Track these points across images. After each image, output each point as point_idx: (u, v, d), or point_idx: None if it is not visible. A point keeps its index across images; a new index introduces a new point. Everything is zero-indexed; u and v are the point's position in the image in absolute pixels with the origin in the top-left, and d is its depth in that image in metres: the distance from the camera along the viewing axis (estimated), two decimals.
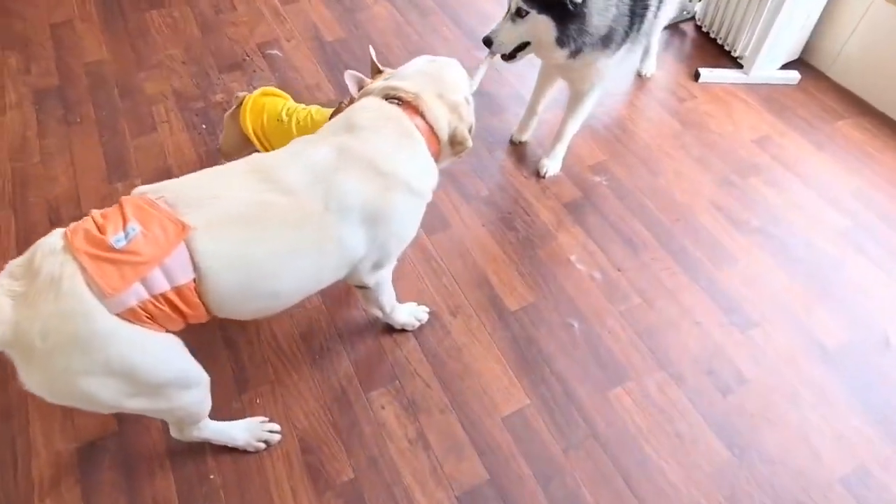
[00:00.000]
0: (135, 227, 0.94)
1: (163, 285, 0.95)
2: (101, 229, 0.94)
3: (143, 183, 1.67)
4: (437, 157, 1.26)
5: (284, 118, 1.64)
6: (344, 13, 2.64)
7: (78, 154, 2.00)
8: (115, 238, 0.93)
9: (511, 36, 1.56)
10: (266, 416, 1.42)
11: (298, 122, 1.63)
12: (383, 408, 1.46)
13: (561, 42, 1.53)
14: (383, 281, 1.39)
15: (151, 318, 0.97)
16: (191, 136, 2.08)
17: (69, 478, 1.32)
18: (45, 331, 0.88)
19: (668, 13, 1.87)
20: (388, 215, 1.16)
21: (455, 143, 1.26)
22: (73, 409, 1.30)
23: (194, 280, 0.98)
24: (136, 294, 0.93)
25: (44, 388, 0.95)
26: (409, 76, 1.27)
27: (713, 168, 2.03)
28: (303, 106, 1.68)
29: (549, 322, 1.62)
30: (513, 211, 1.89)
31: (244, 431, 1.36)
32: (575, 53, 1.58)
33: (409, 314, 1.58)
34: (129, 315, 0.94)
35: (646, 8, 1.65)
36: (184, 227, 0.96)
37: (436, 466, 1.37)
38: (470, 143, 1.28)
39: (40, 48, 2.39)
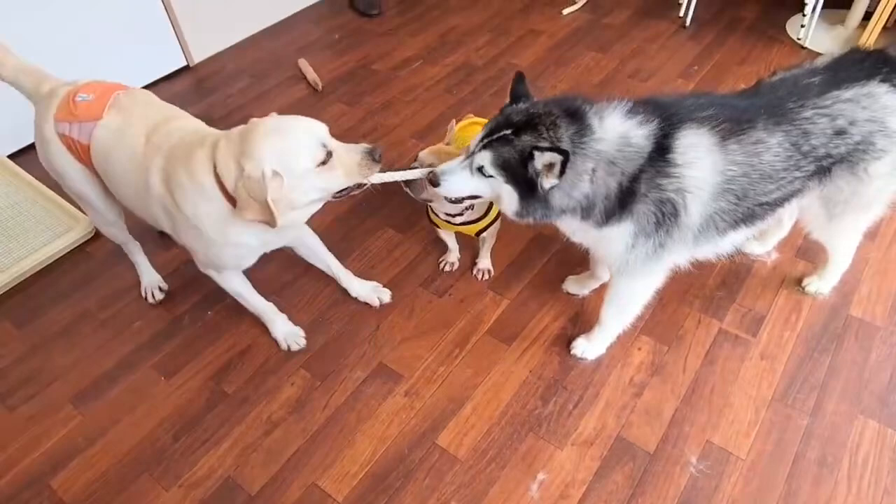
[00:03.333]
0: (89, 97, 1.48)
1: (74, 134, 1.48)
2: (84, 89, 1.50)
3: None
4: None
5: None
6: None
7: (425, 111, 2.63)
8: (80, 97, 1.48)
9: (464, 186, 1.28)
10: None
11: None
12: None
13: (521, 215, 1.27)
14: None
15: (73, 151, 1.51)
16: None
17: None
18: (36, 114, 1.54)
19: None
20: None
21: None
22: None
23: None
24: (64, 128, 1.48)
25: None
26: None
27: None
28: None
29: None
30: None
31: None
32: (555, 220, 1.30)
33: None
34: (62, 140, 1.49)
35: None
36: (101, 116, 1.46)
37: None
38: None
39: (504, 40, 3.06)
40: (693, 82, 2.67)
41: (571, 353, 1.68)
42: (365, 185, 1.37)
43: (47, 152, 1.54)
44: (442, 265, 1.92)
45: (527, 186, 1.19)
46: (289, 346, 1.75)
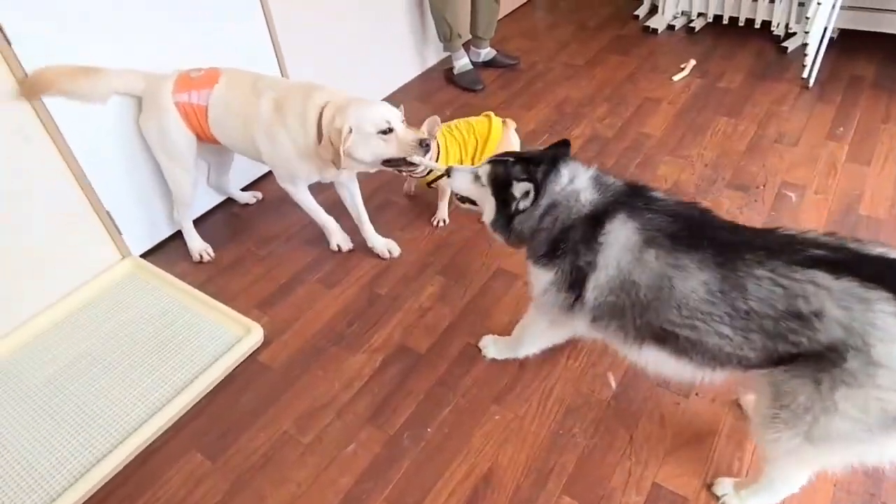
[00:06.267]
0: (201, 71, 1.97)
1: (194, 100, 1.94)
2: (194, 70, 1.98)
3: None
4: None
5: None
6: None
7: None
8: (193, 73, 1.97)
9: (465, 185, 1.55)
10: None
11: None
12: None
13: (493, 227, 1.49)
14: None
15: (187, 117, 1.96)
16: None
17: (380, 354, 1.87)
18: (150, 93, 1.99)
19: None
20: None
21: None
22: (421, 324, 1.86)
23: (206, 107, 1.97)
24: (182, 97, 1.94)
25: (143, 121, 2.04)
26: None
27: None
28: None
29: None
30: None
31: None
32: (513, 244, 1.50)
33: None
34: (179, 108, 1.94)
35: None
36: (213, 85, 1.95)
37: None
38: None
39: (624, 109, 2.99)
40: (845, 143, 2.58)
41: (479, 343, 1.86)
42: (413, 165, 1.85)
43: (163, 118, 1.96)
44: (435, 223, 2.36)
45: (502, 202, 1.42)
46: (339, 247, 2.24)
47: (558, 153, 1.41)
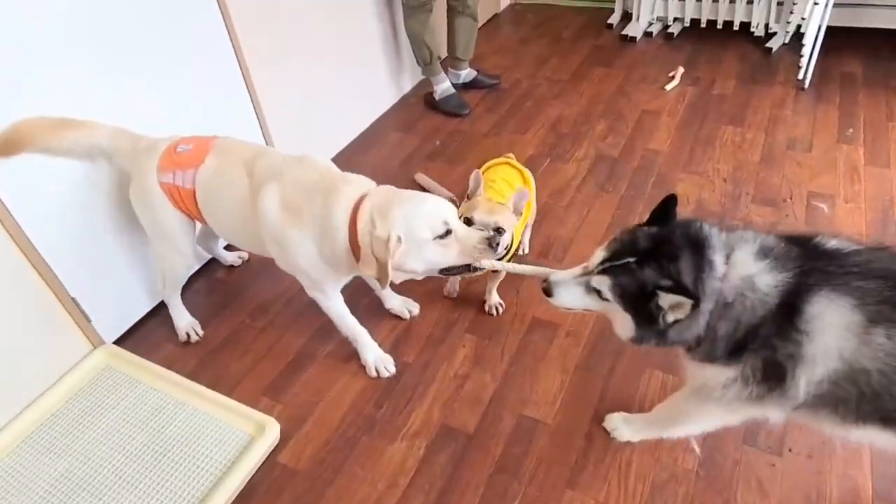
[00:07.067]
0: (189, 147, 1.61)
1: (178, 181, 1.59)
2: (183, 141, 1.63)
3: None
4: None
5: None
6: None
7: (592, 214, 2.32)
8: (181, 147, 1.61)
9: (575, 301, 1.22)
10: None
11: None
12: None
13: (636, 342, 1.17)
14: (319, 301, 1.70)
15: (176, 201, 1.63)
16: None
17: (424, 439, 1.61)
18: (137, 168, 1.65)
19: None
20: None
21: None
22: (461, 397, 1.60)
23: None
24: (167, 177, 1.60)
25: (132, 195, 1.70)
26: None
27: None
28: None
29: None
30: None
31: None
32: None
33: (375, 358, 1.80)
34: (165, 189, 1.61)
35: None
36: (199, 164, 1.59)
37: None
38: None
39: (624, 125, 2.84)
40: (858, 146, 2.50)
41: (604, 423, 1.58)
42: (478, 269, 1.47)
43: (148, 200, 1.66)
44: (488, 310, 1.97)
45: (646, 317, 1.10)
46: (378, 372, 1.78)
47: (690, 232, 1.10)
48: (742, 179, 2.39)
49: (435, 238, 1.38)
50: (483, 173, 2.10)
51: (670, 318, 1.07)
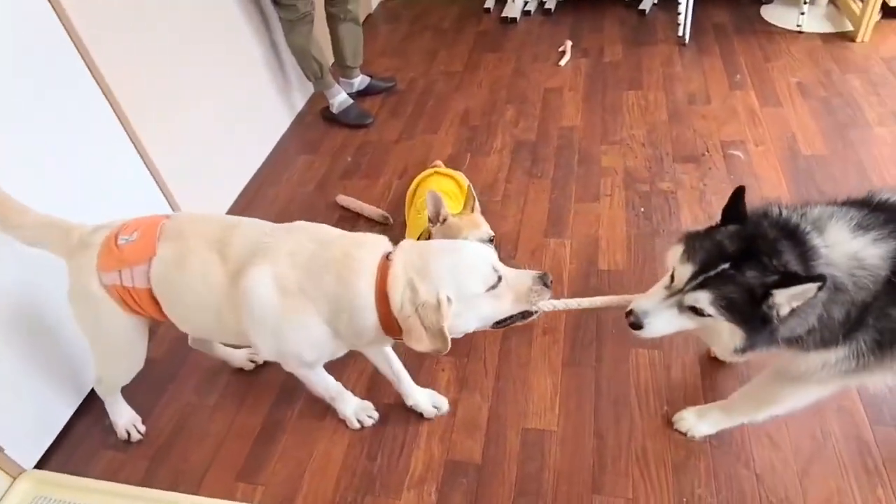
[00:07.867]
0: (132, 237, 1.31)
1: (127, 281, 1.31)
2: (124, 230, 1.33)
3: (573, 244, 1.94)
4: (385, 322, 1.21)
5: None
6: (833, 128, 2.34)
7: (529, 203, 2.28)
8: (122, 239, 1.31)
9: (669, 325, 1.12)
10: None
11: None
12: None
13: (741, 351, 1.08)
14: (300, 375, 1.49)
15: (127, 304, 1.34)
16: (627, 214, 2.14)
17: (432, 482, 1.49)
18: (74, 267, 1.36)
19: None
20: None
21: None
22: (456, 425, 1.49)
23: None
24: (113, 279, 1.31)
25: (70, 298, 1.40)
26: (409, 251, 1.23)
27: None
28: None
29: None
30: None
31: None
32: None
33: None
34: (112, 292, 1.32)
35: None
36: (150, 257, 1.30)
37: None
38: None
39: (531, 107, 2.82)
40: (749, 90, 2.65)
41: (675, 426, 1.49)
42: (532, 314, 1.27)
43: (91, 308, 1.37)
44: None
45: (757, 322, 1.02)
46: (360, 423, 1.62)
47: (779, 221, 1.04)
48: (658, 141, 2.46)
49: (487, 290, 1.19)
50: (415, 190, 2.00)
51: (785, 310, 0.99)
